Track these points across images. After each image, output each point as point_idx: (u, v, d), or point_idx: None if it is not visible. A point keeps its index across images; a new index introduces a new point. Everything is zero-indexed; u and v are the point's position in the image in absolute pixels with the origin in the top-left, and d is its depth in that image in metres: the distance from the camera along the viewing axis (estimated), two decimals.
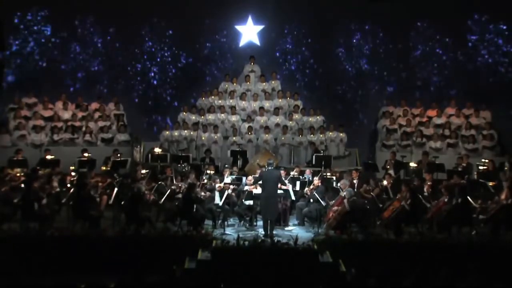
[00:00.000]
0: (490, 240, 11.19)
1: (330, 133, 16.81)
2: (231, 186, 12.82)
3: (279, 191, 12.45)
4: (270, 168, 12.07)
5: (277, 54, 19.33)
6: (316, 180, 12.94)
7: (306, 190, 12.95)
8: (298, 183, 13.43)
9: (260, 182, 12.12)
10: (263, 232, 11.75)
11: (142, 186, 12.36)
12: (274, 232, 11.72)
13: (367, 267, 9.99)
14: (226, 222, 12.43)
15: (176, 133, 16.70)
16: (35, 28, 18.52)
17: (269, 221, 11.70)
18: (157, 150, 15.42)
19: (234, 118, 17.18)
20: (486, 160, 14.70)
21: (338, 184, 12.63)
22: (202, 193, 12.64)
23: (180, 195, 12.54)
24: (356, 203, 12.17)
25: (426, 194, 12.70)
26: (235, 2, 18.86)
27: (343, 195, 12.14)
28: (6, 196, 11.95)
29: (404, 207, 11.76)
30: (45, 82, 17.94)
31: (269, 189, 11.79)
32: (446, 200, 12.19)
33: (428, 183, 13.04)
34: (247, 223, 12.73)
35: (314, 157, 14.98)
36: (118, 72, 18.82)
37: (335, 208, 12.10)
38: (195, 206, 12.05)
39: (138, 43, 18.93)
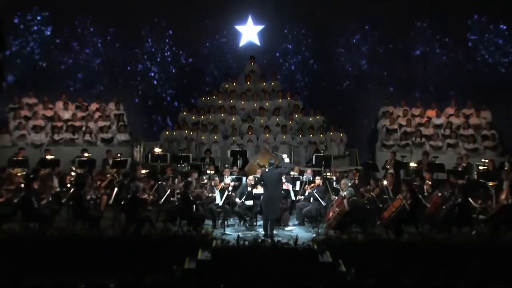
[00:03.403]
0: (490, 240, 11.17)
1: (330, 133, 16.83)
2: (232, 183, 12.83)
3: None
4: (271, 167, 12.07)
5: (277, 54, 19.33)
6: (318, 180, 12.95)
7: (306, 187, 12.95)
8: (298, 183, 13.43)
9: (262, 182, 12.12)
10: (263, 232, 11.75)
11: (140, 184, 12.35)
12: (274, 232, 11.71)
13: (367, 267, 10.00)
14: (226, 222, 12.42)
15: (176, 133, 16.72)
16: (35, 28, 18.51)
17: (269, 221, 11.70)
18: (157, 150, 15.44)
19: (234, 118, 17.20)
20: (486, 160, 14.73)
21: (339, 185, 12.62)
22: (198, 190, 12.61)
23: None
24: (356, 203, 12.17)
25: (426, 194, 12.71)
26: (235, 2, 18.87)
27: (343, 195, 12.14)
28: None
29: (404, 207, 11.76)
30: (45, 82, 17.92)
31: (271, 189, 11.77)
32: (439, 194, 12.22)
33: (428, 183, 13.04)
34: (247, 223, 12.73)
35: (314, 157, 14.98)
36: (118, 72, 18.81)
37: (335, 208, 12.10)
38: (194, 205, 12.05)
39: (138, 43, 18.92)
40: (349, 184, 12.43)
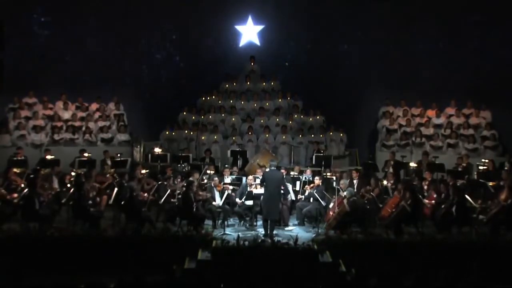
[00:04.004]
0: (490, 240, 11.18)
1: (330, 133, 16.84)
2: (230, 187, 12.82)
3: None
4: (272, 168, 12.07)
5: (277, 54, 19.29)
6: (317, 180, 12.94)
7: (306, 187, 12.94)
8: (298, 183, 13.42)
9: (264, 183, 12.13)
10: (263, 232, 11.74)
11: (134, 184, 12.29)
12: (274, 232, 11.70)
13: (367, 267, 10.00)
14: (226, 222, 12.41)
15: (176, 133, 16.71)
16: (35, 28, 18.48)
17: (269, 221, 11.70)
18: (157, 150, 15.44)
19: (234, 118, 17.20)
20: (486, 160, 14.74)
21: (339, 185, 12.61)
22: (200, 193, 12.61)
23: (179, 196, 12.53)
24: (356, 203, 12.17)
25: (426, 194, 12.71)
26: (235, 2, 18.86)
27: (343, 195, 12.15)
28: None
29: (405, 208, 11.76)
30: (45, 82, 17.89)
31: (271, 189, 11.76)
32: (435, 195, 12.29)
33: (428, 180, 13.07)
34: (247, 223, 12.72)
35: (314, 157, 14.98)
36: (118, 72, 18.76)
37: (335, 208, 12.10)
38: (194, 205, 12.05)
39: (138, 43, 18.89)
40: (346, 183, 12.44)
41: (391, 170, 14.35)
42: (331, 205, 12.38)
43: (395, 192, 12.19)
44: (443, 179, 13.36)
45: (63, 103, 17.26)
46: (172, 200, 12.48)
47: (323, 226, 12.21)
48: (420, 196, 12.37)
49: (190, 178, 12.71)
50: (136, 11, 18.38)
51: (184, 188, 12.36)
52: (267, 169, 12.32)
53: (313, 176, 13.42)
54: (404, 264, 10.39)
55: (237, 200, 12.83)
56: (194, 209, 12.08)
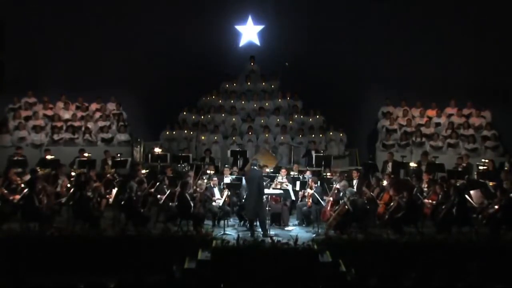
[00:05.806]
0: (490, 240, 11.18)
1: (330, 133, 16.84)
2: (227, 193, 12.82)
3: (278, 191, 12.48)
4: (253, 167, 12.09)
5: (277, 54, 19.27)
6: (310, 181, 12.90)
7: (307, 195, 12.86)
8: (298, 183, 13.41)
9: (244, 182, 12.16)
10: (263, 232, 11.72)
11: (135, 185, 12.27)
12: (273, 232, 11.68)
13: (367, 267, 10.00)
14: (226, 222, 12.39)
15: (176, 133, 16.72)
16: (36, 28, 18.45)
17: (259, 221, 11.71)
18: (157, 150, 15.45)
19: (234, 118, 17.20)
20: (486, 160, 14.74)
21: (337, 186, 12.60)
22: (198, 189, 12.57)
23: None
24: (357, 203, 12.17)
25: (425, 194, 12.70)
26: (235, 2, 18.86)
27: (335, 192, 12.16)
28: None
29: (399, 204, 11.82)
30: (45, 82, 17.88)
31: (252, 189, 11.78)
32: (435, 195, 12.34)
33: (427, 181, 13.07)
34: (247, 223, 12.70)
35: (314, 157, 14.98)
36: (118, 72, 18.74)
37: (332, 202, 12.13)
38: (192, 204, 12.04)
39: (138, 43, 18.87)
40: (338, 185, 12.46)
41: (389, 170, 14.34)
42: (324, 203, 12.41)
43: (386, 189, 12.23)
44: (442, 179, 13.37)
45: (63, 103, 17.25)
46: (170, 204, 12.40)
47: (323, 226, 12.20)
48: (419, 196, 12.38)
49: (187, 179, 12.70)
50: (136, 11, 18.36)
51: (179, 190, 12.31)
52: (251, 167, 12.29)
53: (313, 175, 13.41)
54: (404, 264, 10.38)
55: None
56: (193, 209, 12.04)
